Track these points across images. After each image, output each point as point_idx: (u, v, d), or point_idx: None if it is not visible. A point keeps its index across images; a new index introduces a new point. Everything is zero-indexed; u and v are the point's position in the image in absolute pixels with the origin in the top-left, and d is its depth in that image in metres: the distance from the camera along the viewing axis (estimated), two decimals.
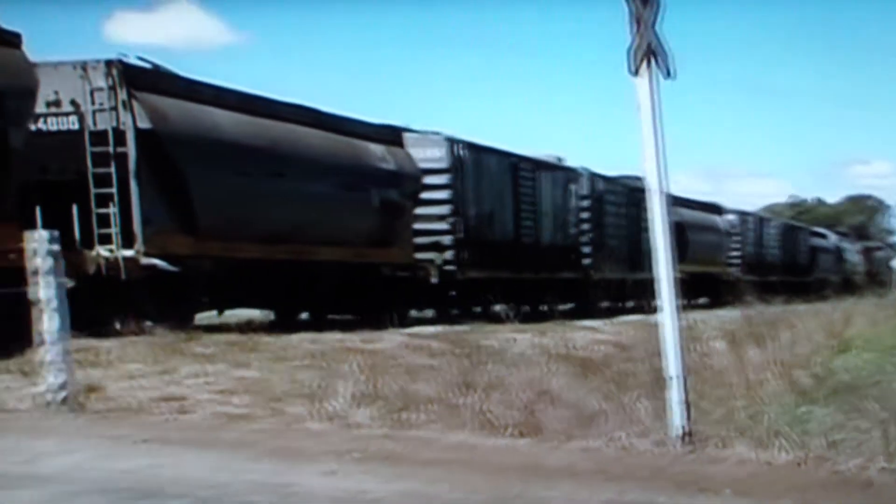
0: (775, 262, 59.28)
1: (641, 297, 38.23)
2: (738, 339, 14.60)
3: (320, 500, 6.82)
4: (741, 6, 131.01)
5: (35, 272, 10.77)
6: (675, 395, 8.70)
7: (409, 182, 28.24)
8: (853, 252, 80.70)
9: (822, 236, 74.61)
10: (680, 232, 43.32)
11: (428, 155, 29.07)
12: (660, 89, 8.77)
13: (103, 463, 8.11)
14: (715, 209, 53.04)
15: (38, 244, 10.82)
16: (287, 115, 24.48)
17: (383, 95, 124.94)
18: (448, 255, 29.25)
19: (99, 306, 17.54)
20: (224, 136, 22.00)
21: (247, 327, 19.68)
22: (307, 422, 10.06)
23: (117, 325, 17.71)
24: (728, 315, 21.33)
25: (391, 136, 28.61)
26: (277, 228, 22.89)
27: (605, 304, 38.46)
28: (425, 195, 28.88)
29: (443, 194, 29.32)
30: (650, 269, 36.63)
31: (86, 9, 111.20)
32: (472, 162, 30.58)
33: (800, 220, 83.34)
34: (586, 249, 38.44)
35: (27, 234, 11.02)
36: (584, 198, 38.35)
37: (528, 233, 34.10)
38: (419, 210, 28.78)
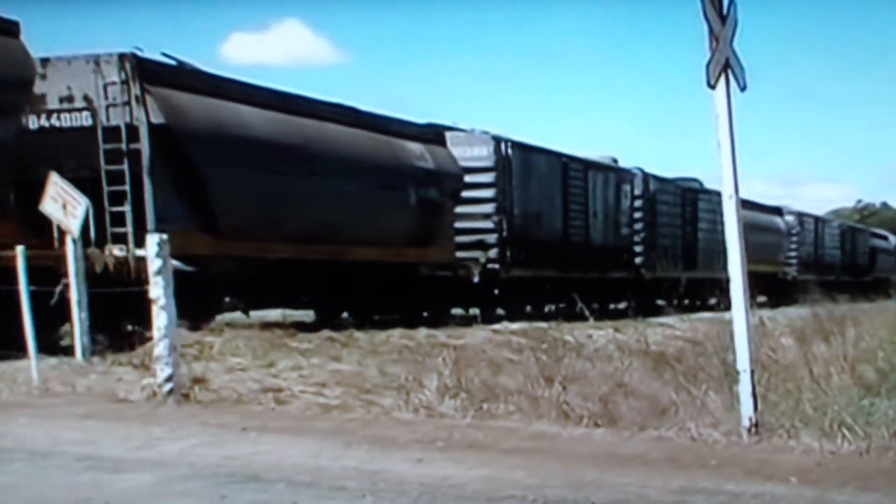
0: (833, 262, 57.91)
1: (696, 295, 38.22)
2: (804, 336, 14.45)
3: (408, 485, 6.87)
4: (814, 20, 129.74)
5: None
6: (744, 387, 8.70)
7: (449, 181, 26.69)
8: None
9: (883, 238, 73.01)
10: None
11: (473, 154, 27.76)
12: (735, 101, 8.86)
13: (209, 449, 8.23)
14: (774, 211, 51.47)
15: (150, 247, 11.02)
16: (323, 113, 23.03)
17: (469, 103, 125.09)
18: (492, 253, 27.81)
19: (112, 307, 16.15)
20: (250, 134, 20.57)
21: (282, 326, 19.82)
22: (396, 412, 10.14)
23: (129, 328, 16.58)
24: (794, 313, 21.07)
25: (432, 135, 27.19)
26: (311, 228, 21.40)
27: (660, 302, 35.78)
28: (469, 194, 27.46)
29: (487, 193, 27.98)
30: (704, 268, 37.66)
31: (206, 31, 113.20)
32: (519, 161, 29.05)
33: (865, 223, 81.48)
34: (639, 249, 36.91)
35: (148, 238, 11.18)
36: (637, 198, 36.87)
37: (577, 232, 32.61)
38: (463, 209, 27.31)
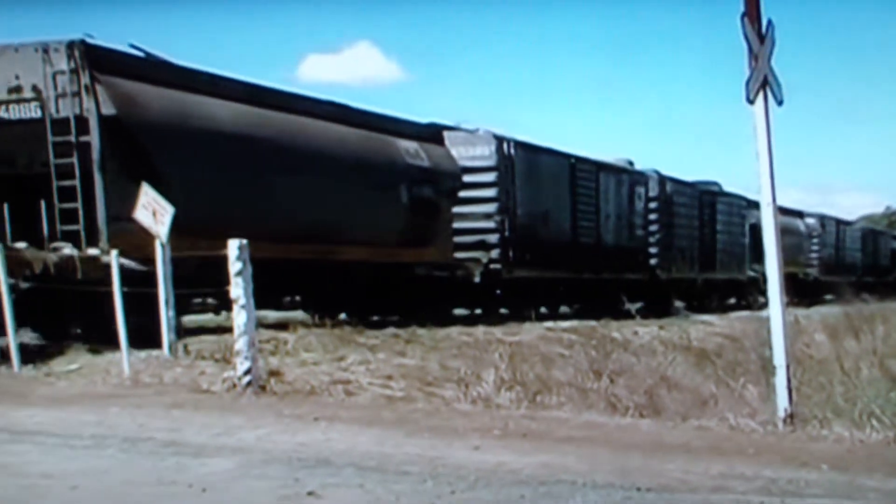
0: (855, 263, 55.56)
1: (712, 297, 37.36)
2: (837, 333, 14.33)
3: (466, 470, 6.87)
4: (852, 36, 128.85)
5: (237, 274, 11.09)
6: (780, 381, 8.67)
7: (446, 180, 24.13)
8: None
9: None
10: (756, 234, 41.58)
11: (474, 153, 25.42)
12: (773, 115, 8.87)
13: (284, 436, 8.28)
14: (796, 213, 49.03)
15: (231, 250, 11.13)
16: (307, 109, 20.66)
17: (532, 115, 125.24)
18: (494, 253, 25.48)
19: (54, 309, 15.00)
20: (218, 128, 18.06)
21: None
22: (456, 403, 10.16)
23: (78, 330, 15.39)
24: (817, 312, 20.90)
25: (429, 134, 24.66)
26: (293, 227, 18.92)
27: (679, 303, 34.88)
28: (471, 193, 25.07)
29: (489, 192, 25.57)
30: (721, 269, 36.92)
31: (285, 53, 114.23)
32: (523, 161, 26.68)
33: (893, 228, 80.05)
34: (654, 250, 34.42)
35: (230, 244, 11.27)
36: (652, 200, 34.43)
37: (587, 233, 30.14)
38: (463, 209, 24.87)
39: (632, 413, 9.39)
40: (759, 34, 8.77)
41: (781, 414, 8.57)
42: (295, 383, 11.37)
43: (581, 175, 29.85)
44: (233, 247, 11.16)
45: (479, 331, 18.70)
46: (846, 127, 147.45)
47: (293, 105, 20.31)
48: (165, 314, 12.93)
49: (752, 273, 39.34)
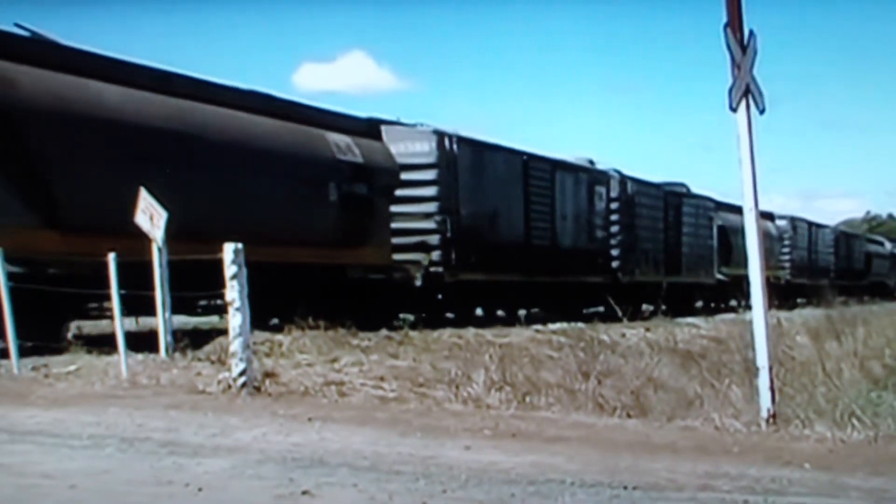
0: (828, 266, 54.40)
1: (679, 301, 33.98)
2: (819, 335, 14.38)
3: (457, 469, 6.88)
4: (838, 48, 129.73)
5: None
6: (763, 382, 8.72)
7: (382, 177, 22.20)
8: None
9: (879, 243, 69.60)
10: (725, 237, 40.18)
11: (413, 149, 23.46)
12: (755, 123, 8.93)
13: (278, 437, 8.27)
14: (766, 216, 45.15)
15: (227, 255, 11.12)
16: (225, 99, 18.71)
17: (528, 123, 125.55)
18: (435, 255, 23.48)
19: None
20: (113, 116, 16.06)
21: None
22: (447, 404, 10.16)
23: None
24: (803, 315, 20.97)
25: (365, 128, 22.70)
26: (202, 225, 16.09)
27: (647, 307, 30.94)
28: (410, 192, 23.12)
29: (429, 191, 23.56)
30: (688, 273, 35.38)
31: (279, 62, 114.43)
32: (468, 158, 24.65)
33: (873, 233, 79.30)
34: (615, 253, 32.54)
35: (225, 247, 11.26)
36: (613, 200, 32.53)
37: (541, 234, 28.06)
38: (402, 208, 23.06)
39: (619, 413, 9.41)
40: (741, 44, 8.82)
41: (765, 414, 8.61)
42: (289, 384, 11.37)
43: (535, 173, 27.98)
44: (228, 250, 11.15)
45: (470, 333, 18.73)
46: (830, 134, 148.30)
47: (208, 94, 18.43)
48: (162, 316, 12.92)
49: (720, 276, 38.89)
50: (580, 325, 21.49)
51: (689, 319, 26.78)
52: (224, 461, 7.26)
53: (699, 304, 37.80)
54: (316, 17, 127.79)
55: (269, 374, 11.66)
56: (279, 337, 15.11)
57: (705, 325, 22.88)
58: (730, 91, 8.88)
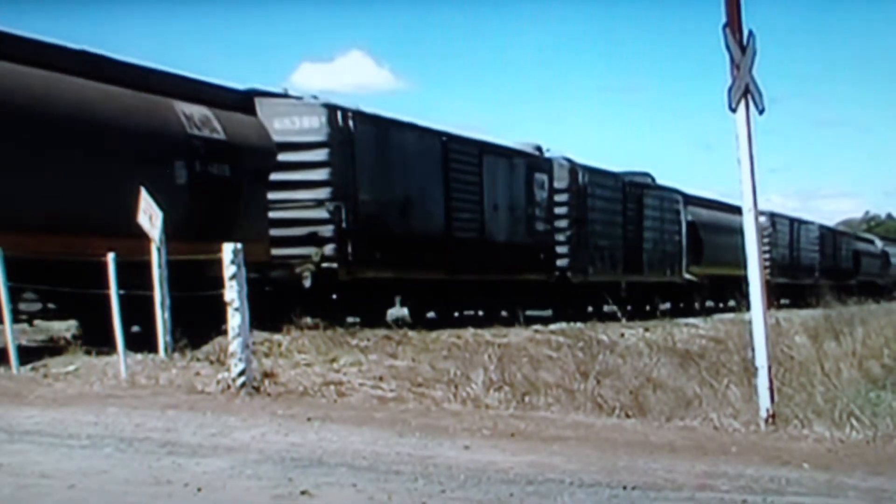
0: (812, 264, 50.88)
1: (641, 301, 32.33)
2: (817, 334, 14.39)
3: (456, 469, 6.88)
4: (840, 50, 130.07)
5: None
6: (762, 381, 8.72)
7: (250, 157, 18.58)
8: None
9: (869, 241, 66.77)
10: (695, 233, 37.23)
11: (299, 126, 20.07)
12: (754, 123, 8.95)
13: (277, 437, 8.27)
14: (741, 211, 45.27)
15: (226, 255, 11.12)
16: (37, 57, 15.19)
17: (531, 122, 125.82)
18: (329, 249, 19.88)
19: None
20: None
21: None
22: (446, 404, 10.16)
23: None
24: (809, 314, 20.97)
25: (233, 99, 19.30)
26: (12, 213, 13.66)
27: (610, 308, 26.86)
28: (295, 176, 19.71)
29: (319, 174, 20.05)
30: (650, 271, 31.86)
31: (278, 61, 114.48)
32: (368, 137, 21.10)
33: (872, 232, 77.95)
34: (563, 249, 28.86)
35: (224, 247, 11.25)
36: (560, 191, 28.86)
37: (466, 226, 24.37)
38: (285, 194, 19.50)
39: (618, 413, 9.41)
40: (740, 44, 8.83)
41: (763, 414, 8.62)
42: (288, 384, 11.36)
43: (457, 156, 24.29)
44: (227, 251, 11.15)
45: (469, 333, 18.71)
46: (828, 134, 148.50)
47: (20, 52, 15.03)
48: (161, 316, 12.92)
49: (689, 276, 36.39)
50: (579, 324, 21.47)
51: (688, 319, 26.73)
52: (223, 461, 7.26)
53: (667, 305, 35.07)
54: (315, 17, 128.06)
55: (267, 375, 11.66)
56: (278, 337, 15.10)
57: (704, 324, 22.87)
58: (729, 91, 8.89)
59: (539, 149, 28.87)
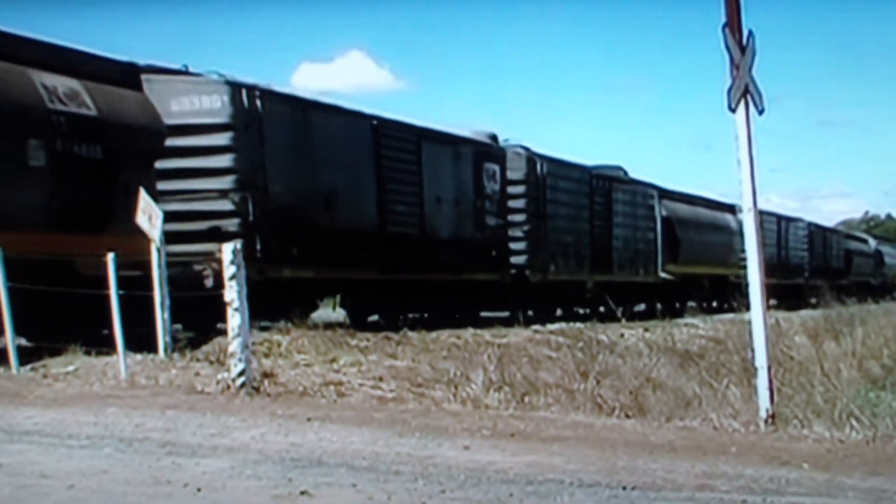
0: (801, 264, 48.45)
1: (614, 301, 27.50)
2: (817, 334, 14.39)
3: (456, 469, 6.88)
4: (839, 50, 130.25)
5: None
6: (762, 382, 8.72)
7: (131, 138, 16.09)
8: (895, 257, 69.08)
9: (862, 240, 64.26)
10: (671, 229, 34.97)
11: (197, 105, 17.58)
12: (754, 123, 8.96)
13: (277, 437, 8.27)
14: (725, 207, 41.45)
15: (226, 255, 11.12)
16: None
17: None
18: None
19: None
20: None
21: None
22: (446, 404, 10.16)
23: None
24: (800, 315, 20.99)
25: (110, 73, 16.53)
26: None
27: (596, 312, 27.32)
28: (192, 162, 17.36)
29: (222, 161, 17.57)
30: (621, 270, 29.21)
31: (278, 62, 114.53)
32: (283, 119, 18.81)
33: (871, 233, 77.24)
34: (519, 246, 26.26)
35: (224, 247, 11.24)
36: (515, 183, 26.27)
37: (403, 221, 21.84)
38: (181, 184, 17.10)
39: (618, 413, 9.42)
40: (740, 44, 8.83)
41: (763, 414, 8.62)
42: (288, 384, 11.37)
43: (390, 143, 21.67)
44: (227, 251, 11.15)
45: (468, 333, 18.69)
46: (828, 134, 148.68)
47: None
48: (161, 317, 12.92)
49: (665, 275, 34.11)
50: (579, 325, 21.46)
51: (686, 320, 26.60)
52: (222, 461, 7.26)
53: (641, 306, 32.65)
54: (315, 17, 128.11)
55: (267, 375, 11.66)
56: (277, 337, 15.09)
57: (703, 325, 22.86)
58: (728, 91, 8.89)
59: (494, 137, 26.44)
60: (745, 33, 8.85)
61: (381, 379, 11.90)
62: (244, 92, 17.92)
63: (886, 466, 7.06)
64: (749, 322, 9.17)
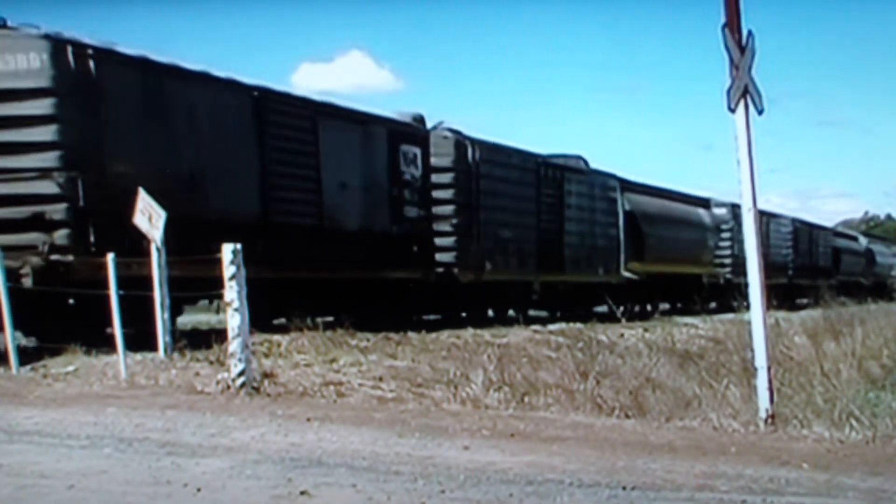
0: (784, 262, 45.22)
1: (567, 303, 27.63)
2: (816, 334, 14.38)
3: (456, 469, 6.89)
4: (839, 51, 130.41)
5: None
6: (762, 382, 8.72)
7: None
8: (888, 256, 66.75)
9: (852, 238, 61.88)
10: (634, 225, 32.27)
11: (13, 66, 14.51)
12: (753, 123, 8.96)
13: (277, 437, 8.27)
14: (699, 202, 39.12)
15: (226, 255, 11.11)
16: None
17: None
18: (60, 236, 14.45)
19: None
20: None
21: None
22: (446, 404, 10.16)
23: None
24: (809, 315, 20.99)
25: None
26: None
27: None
28: (6, 136, 14.53)
29: (42, 134, 14.51)
30: (575, 269, 25.62)
31: (278, 62, 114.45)
32: (129, 86, 15.69)
33: (871, 233, 76.34)
34: (446, 241, 23.00)
35: (224, 248, 11.23)
36: (441, 169, 22.95)
37: (295, 210, 18.58)
38: None
39: (617, 414, 9.41)
40: (739, 44, 8.83)
41: (763, 414, 8.62)
42: (288, 385, 11.36)
43: (279, 119, 18.49)
44: (227, 251, 11.15)
45: (468, 333, 18.69)
46: (827, 134, 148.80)
47: None
48: (161, 317, 12.91)
49: (628, 274, 31.20)
50: (579, 325, 21.43)
51: (687, 319, 26.49)
52: (222, 461, 7.26)
53: (602, 308, 28.56)
54: (315, 17, 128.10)
55: (267, 375, 11.66)
56: (277, 337, 15.08)
57: (703, 325, 22.85)
58: (728, 92, 8.89)
59: (420, 119, 22.97)
60: (745, 33, 8.85)
61: (380, 379, 11.89)
62: (70, 50, 14.73)
63: (886, 466, 7.07)
64: (749, 322, 9.18)
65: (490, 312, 25.13)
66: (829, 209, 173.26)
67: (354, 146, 20.42)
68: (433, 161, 22.75)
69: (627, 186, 32.55)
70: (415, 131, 22.41)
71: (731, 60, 8.84)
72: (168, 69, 16.47)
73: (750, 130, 8.90)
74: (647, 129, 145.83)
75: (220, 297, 13.67)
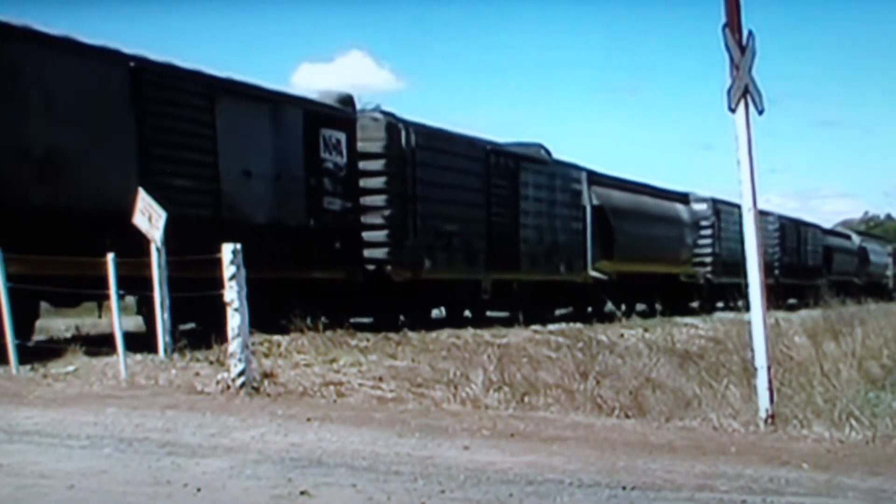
0: (770, 261, 41.37)
1: (515, 303, 24.42)
2: (816, 334, 14.40)
3: (456, 469, 6.88)
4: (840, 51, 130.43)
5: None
6: (762, 382, 8.73)
7: None
8: (882, 255, 65.17)
9: (844, 236, 59.92)
10: (602, 220, 29.84)
11: None
12: (754, 123, 8.98)
13: (277, 437, 8.27)
14: (677, 197, 36.66)
15: (226, 256, 11.11)
16: None
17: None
18: None
19: None
20: None
21: None
22: (446, 404, 10.15)
23: None
24: (809, 315, 21.01)
25: None
26: None
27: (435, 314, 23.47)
28: None
29: None
30: (532, 267, 23.81)
31: (278, 62, 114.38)
32: None
33: (870, 233, 75.77)
34: (377, 236, 20.67)
35: (224, 248, 11.23)
36: (371, 156, 20.61)
37: (184, 199, 15.77)
38: None
39: (617, 414, 9.41)
40: (739, 44, 8.83)
41: (763, 414, 8.62)
42: (288, 385, 11.36)
43: (162, 95, 16.21)
44: (227, 251, 11.15)
45: (468, 333, 18.69)
46: (827, 134, 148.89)
47: None
48: (161, 317, 12.91)
49: (596, 273, 29.11)
50: (579, 325, 21.43)
51: (686, 319, 26.45)
52: (222, 461, 7.26)
53: (567, 310, 28.97)
54: (315, 17, 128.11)
55: (267, 375, 11.66)
56: (277, 337, 15.09)
57: (703, 325, 22.87)
58: (728, 92, 8.90)
59: (347, 100, 20.79)
60: (745, 33, 8.86)
61: (380, 379, 11.89)
62: None
63: (886, 466, 7.07)
64: (749, 322, 9.18)
65: (437, 313, 23.72)
66: (829, 209, 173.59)
67: (262, 129, 18.29)
68: (361, 146, 20.49)
69: (596, 179, 30.32)
70: (338, 114, 20.10)
71: (732, 60, 8.85)
72: (10, 29, 14.04)
73: (750, 130, 8.91)
74: (647, 129, 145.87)
75: (80, 297, 14.14)
